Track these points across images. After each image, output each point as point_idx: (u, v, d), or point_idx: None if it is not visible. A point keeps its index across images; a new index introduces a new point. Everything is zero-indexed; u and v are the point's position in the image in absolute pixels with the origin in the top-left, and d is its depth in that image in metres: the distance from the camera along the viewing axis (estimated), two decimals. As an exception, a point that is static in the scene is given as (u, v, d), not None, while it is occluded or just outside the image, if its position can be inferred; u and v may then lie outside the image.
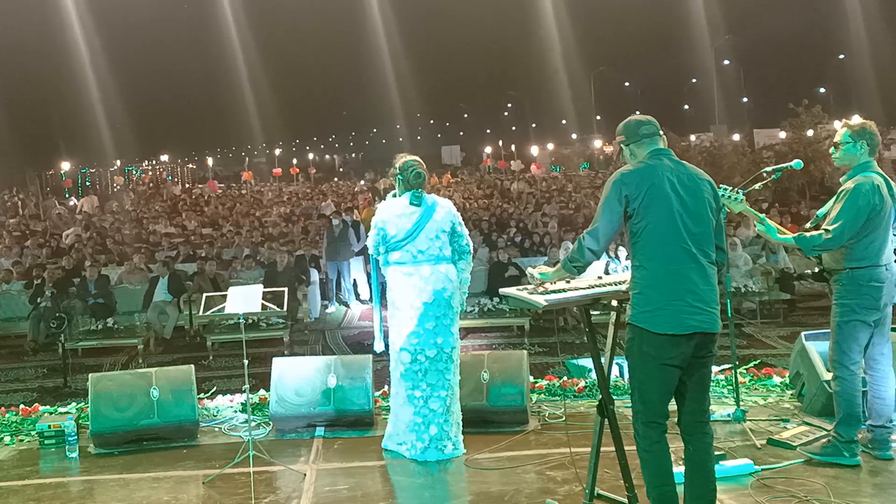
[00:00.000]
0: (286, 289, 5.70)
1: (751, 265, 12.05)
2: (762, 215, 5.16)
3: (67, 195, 34.45)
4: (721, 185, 4.76)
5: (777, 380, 6.71)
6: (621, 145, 4.21)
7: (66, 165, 38.39)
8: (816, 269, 5.27)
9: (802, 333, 6.26)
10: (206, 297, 5.84)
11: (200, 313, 5.87)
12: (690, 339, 3.91)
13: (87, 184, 43.85)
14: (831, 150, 5.23)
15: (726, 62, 49.93)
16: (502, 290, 4.38)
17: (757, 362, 7.25)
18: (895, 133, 28.06)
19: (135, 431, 6.19)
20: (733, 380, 6.12)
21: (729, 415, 5.91)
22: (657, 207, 3.92)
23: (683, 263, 3.91)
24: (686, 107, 59.46)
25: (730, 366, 6.20)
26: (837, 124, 5.26)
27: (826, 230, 4.90)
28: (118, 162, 54.15)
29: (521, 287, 4.28)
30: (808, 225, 5.22)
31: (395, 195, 5.70)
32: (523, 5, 36.25)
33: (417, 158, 5.71)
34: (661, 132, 4.18)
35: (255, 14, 39.58)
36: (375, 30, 38.41)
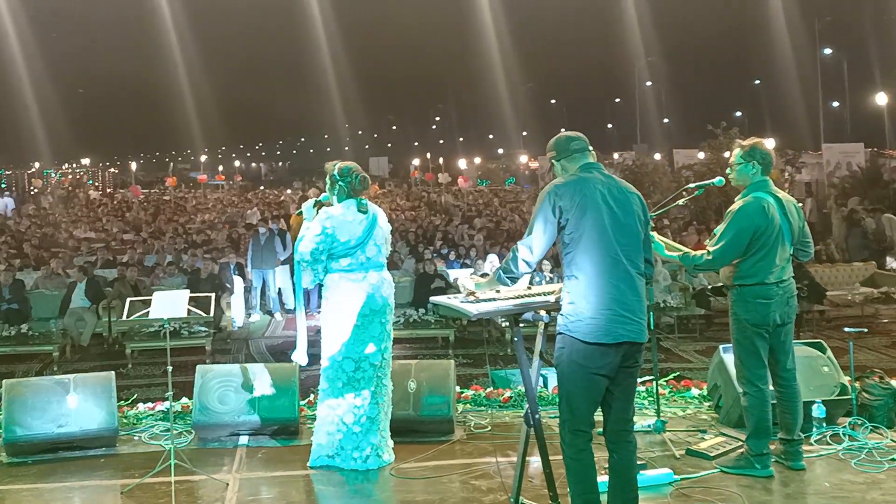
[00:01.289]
0: (213, 294, 5.61)
1: (669, 281, 12.40)
2: (652, 234, 5.29)
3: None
4: None
5: (695, 392, 6.89)
6: (552, 160, 4.31)
7: (-19, 167, 37.03)
8: (718, 285, 5.47)
9: (720, 346, 6.45)
10: (130, 301, 5.70)
11: (124, 317, 5.72)
12: (619, 349, 4.00)
13: (3, 185, 42.35)
14: (727, 170, 5.40)
15: (648, 83, 51.22)
16: (433, 299, 4.42)
17: (676, 374, 7.45)
18: (806, 157, 29.23)
19: (50, 440, 5.99)
20: (654, 391, 6.27)
21: (649, 425, 6.03)
22: (589, 219, 4.00)
23: (614, 274, 3.99)
24: (609, 126, 60.73)
25: (651, 378, 6.36)
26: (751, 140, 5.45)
27: (708, 251, 5.09)
28: (37, 164, 52.50)
29: (451, 296, 4.32)
30: (706, 242, 5.39)
31: (314, 205, 5.55)
32: (455, 19, 36.60)
33: (354, 163, 5.62)
34: (591, 148, 4.29)
35: (185, 17, 38.93)
36: (306, 38, 38.22)
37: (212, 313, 5.61)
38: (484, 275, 4.35)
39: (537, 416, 4.40)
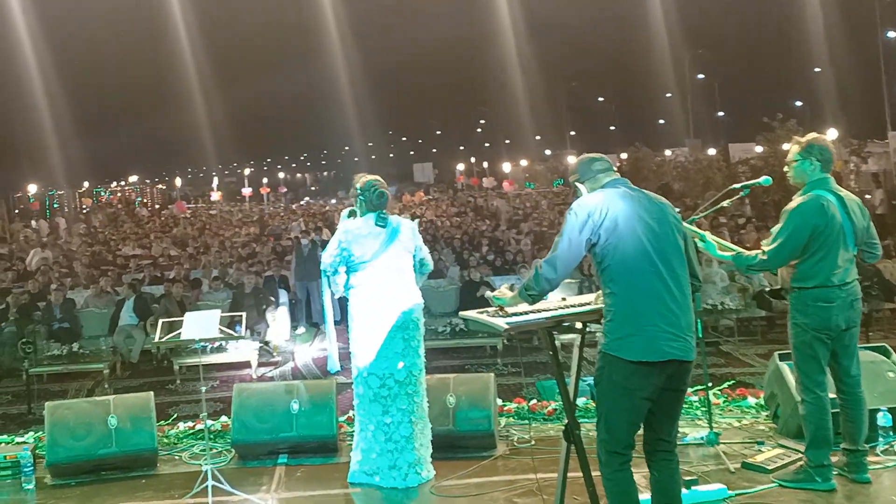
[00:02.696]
0: (244, 313, 5.53)
1: (727, 282, 11.87)
2: (702, 233, 5.04)
3: (35, 218, 34.05)
4: None
5: (752, 401, 6.61)
6: (576, 183, 4.16)
7: (32, 188, 37.87)
8: (777, 287, 5.21)
9: (776, 353, 6.17)
10: (163, 322, 5.66)
11: (156, 339, 5.69)
12: (664, 368, 3.81)
13: (55, 206, 43.34)
14: (784, 168, 5.14)
15: (700, 76, 50.23)
16: (462, 314, 4.28)
17: (731, 382, 7.15)
18: (872, 146, 28.26)
19: (92, 461, 6.06)
20: (706, 401, 6.00)
21: (702, 437, 5.79)
22: (622, 232, 3.83)
23: (656, 288, 3.81)
24: (661, 122, 59.69)
25: (703, 387, 6.09)
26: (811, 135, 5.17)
27: (763, 251, 4.85)
28: (86, 183, 53.63)
29: (481, 310, 4.15)
30: (763, 242, 5.15)
31: (349, 215, 5.61)
32: (496, 21, 36.28)
33: (379, 178, 5.57)
34: (615, 168, 4.16)
35: (225, 35, 39.43)
36: (346, 46, 38.32)
37: (244, 331, 5.50)
38: (512, 286, 4.16)
39: (577, 432, 4.23)
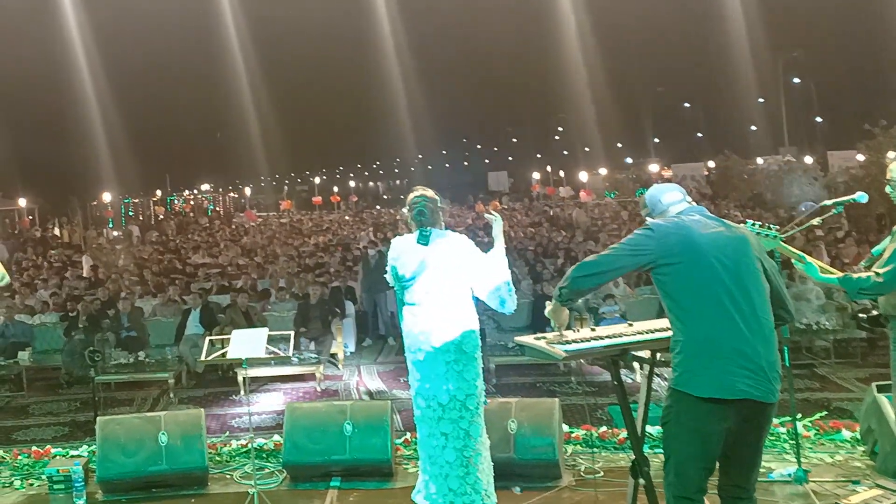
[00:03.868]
0: (292, 332, 5.28)
1: (823, 300, 11.03)
2: (801, 253, 4.59)
3: (111, 225, 35.01)
4: (748, 220, 4.23)
5: (847, 434, 6.08)
6: (647, 218, 3.85)
7: (107, 196, 38.88)
8: (874, 313, 4.68)
9: (873, 385, 5.62)
10: (209, 339, 5.46)
11: (202, 358, 5.51)
12: (738, 408, 3.43)
13: (130, 214, 44.47)
14: (887, 187, 4.62)
15: (796, 80, 48.42)
16: (517, 339, 3.91)
17: (823, 414, 6.56)
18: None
19: (143, 478, 6.03)
20: (794, 433, 5.49)
21: (790, 474, 5.34)
22: (692, 260, 3.52)
23: (729, 320, 3.45)
24: (753, 128, 57.78)
25: (790, 418, 5.56)
26: None
27: (877, 273, 4.34)
28: (159, 192, 54.94)
29: (538, 336, 3.78)
30: (862, 264, 4.61)
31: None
32: (574, 25, 35.67)
33: (427, 193, 5.32)
34: (689, 198, 3.84)
35: (296, 42, 39.81)
36: (420, 53, 38.29)
37: (291, 351, 5.27)
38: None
39: (646, 469, 3.85)
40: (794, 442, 5.53)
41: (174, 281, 14.35)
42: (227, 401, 9.96)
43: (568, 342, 3.65)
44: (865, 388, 8.56)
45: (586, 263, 3.67)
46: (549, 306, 3.81)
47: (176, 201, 56.65)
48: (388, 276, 5.32)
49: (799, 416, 5.63)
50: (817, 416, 6.46)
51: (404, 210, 5.38)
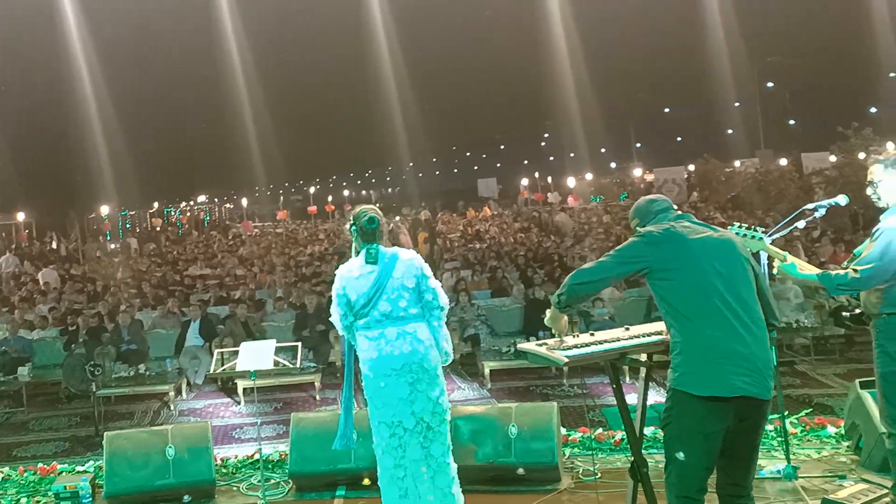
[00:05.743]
0: (299, 343, 5.43)
1: (802, 298, 11.34)
2: (785, 253, 4.76)
3: (109, 237, 34.94)
4: (734, 223, 4.43)
5: (832, 430, 6.28)
6: (636, 229, 4.00)
7: (105, 209, 38.82)
8: (857, 311, 4.88)
9: (857, 381, 5.82)
10: (218, 352, 5.59)
11: (211, 370, 5.63)
12: (738, 407, 3.60)
13: (128, 226, 44.36)
14: (868, 189, 4.81)
15: (770, 84, 49.01)
16: (520, 346, 4.10)
17: (808, 410, 6.77)
18: (954, 155, 27.02)
19: (150, 492, 6.06)
20: (783, 431, 5.68)
21: (779, 471, 5.50)
22: (687, 266, 3.69)
23: (725, 321, 3.63)
24: (729, 131, 58.43)
25: (778, 416, 5.76)
26: (891, 147, 4.84)
27: (855, 270, 4.53)
28: (156, 204, 54.88)
29: (540, 342, 3.96)
30: (845, 264, 4.82)
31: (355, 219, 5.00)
32: (559, 33, 35.99)
33: (372, 206, 5.04)
34: (675, 207, 4.03)
35: (288, 51, 39.88)
36: (410, 62, 38.44)
37: (299, 362, 5.38)
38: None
39: (644, 470, 4.00)
40: (782, 439, 5.71)
41: (173, 293, 14.43)
42: (228, 411, 10.07)
43: (569, 347, 3.83)
44: (845, 384, 8.84)
45: (583, 271, 3.80)
46: (548, 314, 3.95)
47: (173, 213, 56.56)
48: (335, 315, 4.93)
49: (786, 413, 5.80)
50: (803, 412, 6.66)
51: (350, 223, 4.97)
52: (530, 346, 3.98)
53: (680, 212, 3.99)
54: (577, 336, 3.99)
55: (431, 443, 4.76)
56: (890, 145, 26.86)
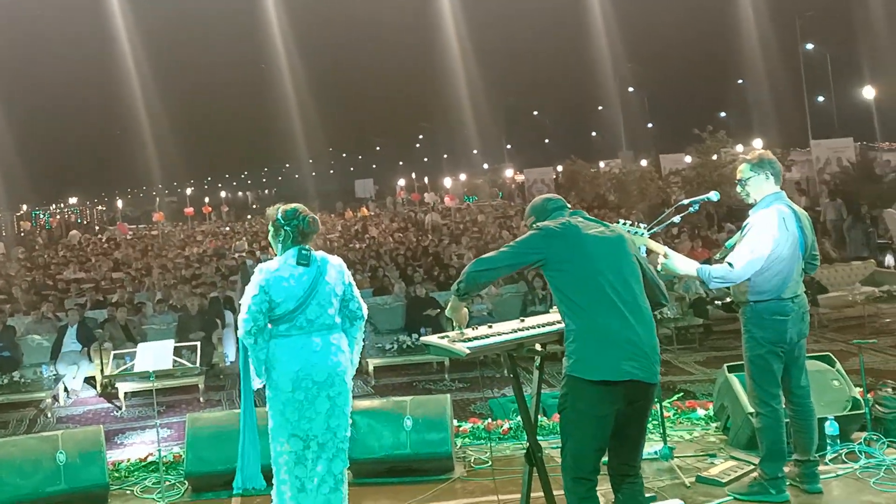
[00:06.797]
0: (199, 342, 5.43)
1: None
2: (666, 249, 5.05)
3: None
4: (620, 220, 4.75)
5: (701, 412, 6.70)
6: (533, 226, 4.19)
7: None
8: (728, 300, 5.26)
9: (725, 366, 6.28)
10: (114, 354, 5.54)
11: (108, 372, 5.56)
12: (627, 390, 3.83)
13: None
14: (737, 188, 5.22)
15: (630, 89, 51.11)
16: (423, 339, 4.27)
17: (680, 395, 7.26)
18: (795, 155, 29.15)
19: (40, 499, 5.85)
20: (659, 415, 6.08)
21: (656, 452, 5.84)
22: (579, 257, 3.91)
23: (614, 309, 3.86)
24: (594, 134, 60.61)
25: (656, 400, 6.17)
26: (741, 148, 5.28)
27: (730, 263, 4.88)
28: (24, 206, 52.27)
29: (441, 335, 4.17)
30: (716, 256, 5.23)
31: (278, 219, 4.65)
32: (432, 37, 36.53)
33: (301, 205, 4.72)
34: (569, 206, 4.26)
35: (161, 50, 38.81)
36: (283, 63, 38.10)
37: (199, 360, 5.39)
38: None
39: (539, 455, 4.25)
40: (658, 422, 6.08)
41: (47, 297, 13.89)
42: (109, 417, 9.84)
43: (469, 339, 4.04)
44: (705, 371, 9.48)
45: (482, 259, 3.97)
46: (448, 305, 4.11)
47: (42, 216, 53.83)
48: (246, 314, 4.46)
49: (660, 398, 6.21)
50: (675, 397, 7.13)
51: (281, 224, 4.58)
52: (433, 338, 4.14)
53: (573, 209, 4.22)
54: (476, 329, 4.20)
55: (334, 459, 4.53)
56: (758, 142, 28.67)
